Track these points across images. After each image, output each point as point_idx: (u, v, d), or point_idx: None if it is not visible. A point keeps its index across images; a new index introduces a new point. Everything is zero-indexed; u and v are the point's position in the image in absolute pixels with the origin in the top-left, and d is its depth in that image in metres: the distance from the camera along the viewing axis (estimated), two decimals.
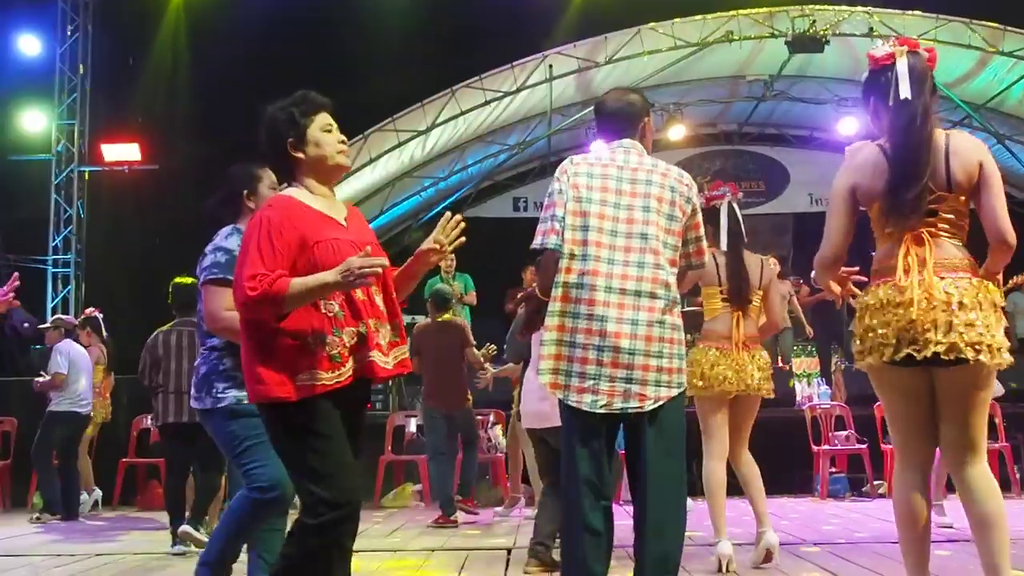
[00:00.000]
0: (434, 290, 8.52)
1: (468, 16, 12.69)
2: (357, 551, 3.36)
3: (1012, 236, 3.22)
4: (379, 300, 3.02)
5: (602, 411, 3.29)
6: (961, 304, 3.15)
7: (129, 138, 13.01)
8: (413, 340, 7.97)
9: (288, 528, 3.06)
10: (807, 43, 12.17)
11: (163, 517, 7.76)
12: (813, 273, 3.60)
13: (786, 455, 9.05)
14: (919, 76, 3.36)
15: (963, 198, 3.29)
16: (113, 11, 13.42)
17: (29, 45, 13.18)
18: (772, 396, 5.18)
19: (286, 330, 2.86)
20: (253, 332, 2.91)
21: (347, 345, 2.91)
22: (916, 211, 3.24)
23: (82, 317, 9.51)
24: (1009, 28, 12.56)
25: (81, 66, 13.46)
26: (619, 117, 3.63)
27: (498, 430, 9.49)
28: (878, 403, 9.33)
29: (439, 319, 8.16)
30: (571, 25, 13.13)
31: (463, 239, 3.20)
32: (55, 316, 9.46)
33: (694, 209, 3.50)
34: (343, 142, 3.11)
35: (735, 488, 5.18)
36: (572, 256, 3.36)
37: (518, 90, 13.34)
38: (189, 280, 7.00)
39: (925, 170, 3.25)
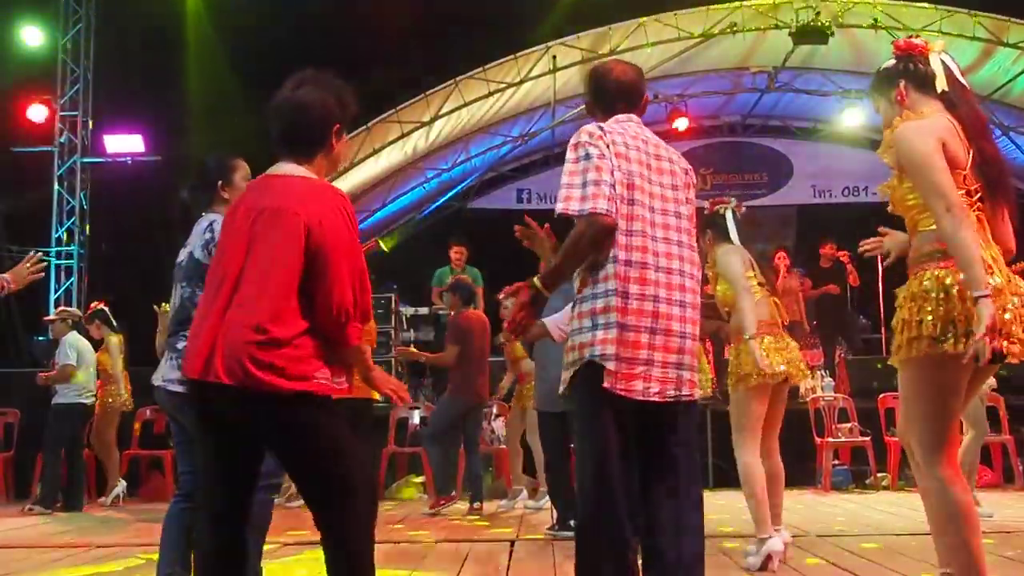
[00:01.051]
0: (457, 281, 8.43)
1: (471, 7, 12.65)
2: None
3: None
4: None
5: (656, 399, 3.03)
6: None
7: (132, 129, 12.99)
8: (457, 329, 7.94)
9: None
10: (811, 34, 12.11)
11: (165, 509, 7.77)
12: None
13: (789, 447, 8.94)
14: (955, 74, 3.28)
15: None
16: (116, 1, 13.39)
17: (32, 36, 13.14)
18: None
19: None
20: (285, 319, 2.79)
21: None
22: (1001, 183, 3.18)
23: (90, 312, 9.52)
24: (1014, 19, 12.52)
25: (84, 57, 13.45)
26: (632, 91, 3.38)
27: (500, 422, 9.48)
28: (881, 395, 9.40)
29: (469, 311, 8.15)
30: (575, 16, 13.08)
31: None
32: (60, 308, 9.46)
33: (687, 183, 3.32)
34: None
35: (735, 481, 5.17)
36: (618, 230, 3.04)
37: (521, 81, 13.31)
38: None
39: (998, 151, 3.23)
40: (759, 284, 5.08)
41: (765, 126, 16.31)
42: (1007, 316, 2.96)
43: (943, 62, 3.26)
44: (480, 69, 13.00)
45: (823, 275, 11.68)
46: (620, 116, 3.29)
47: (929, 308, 3.03)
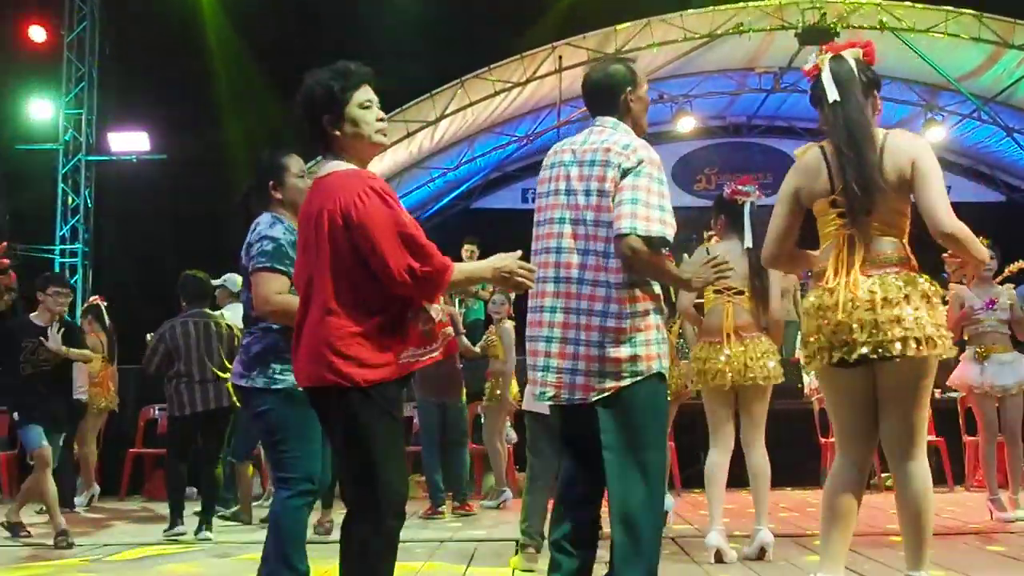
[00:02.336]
0: None
1: (477, 6, 12.65)
2: None
3: (950, 227, 3.20)
4: None
5: (549, 403, 3.32)
6: (886, 300, 3.19)
7: (137, 127, 13.00)
8: None
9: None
10: (817, 35, 12.07)
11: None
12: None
13: (793, 447, 9.01)
14: (845, 80, 3.42)
15: (897, 196, 3.30)
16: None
17: (37, 33, 13.14)
18: (779, 381, 5.18)
19: (392, 309, 2.85)
20: (372, 320, 2.83)
21: (435, 321, 2.93)
22: (867, 210, 3.28)
23: (85, 305, 9.51)
24: (1019, 21, 12.47)
25: (89, 54, 13.45)
26: (600, 90, 3.42)
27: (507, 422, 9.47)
28: None
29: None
30: (580, 16, 13.07)
31: None
32: None
33: (625, 172, 3.20)
34: (381, 119, 3.03)
35: (741, 480, 5.21)
36: (533, 251, 3.38)
37: (527, 81, 13.29)
38: (201, 273, 7.12)
39: (872, 168, 3.30)
40: (715, 292, 5.16)
41: (770, 127, 16.29)
42: (841, 327, 3.22)
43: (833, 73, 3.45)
44: (485, 69, 12.99)
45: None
46: (592, 121, 3.46)
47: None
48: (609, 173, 3.21)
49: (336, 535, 2.96)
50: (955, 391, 7.47)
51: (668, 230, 3.16)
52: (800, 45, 12.51)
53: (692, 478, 8.68)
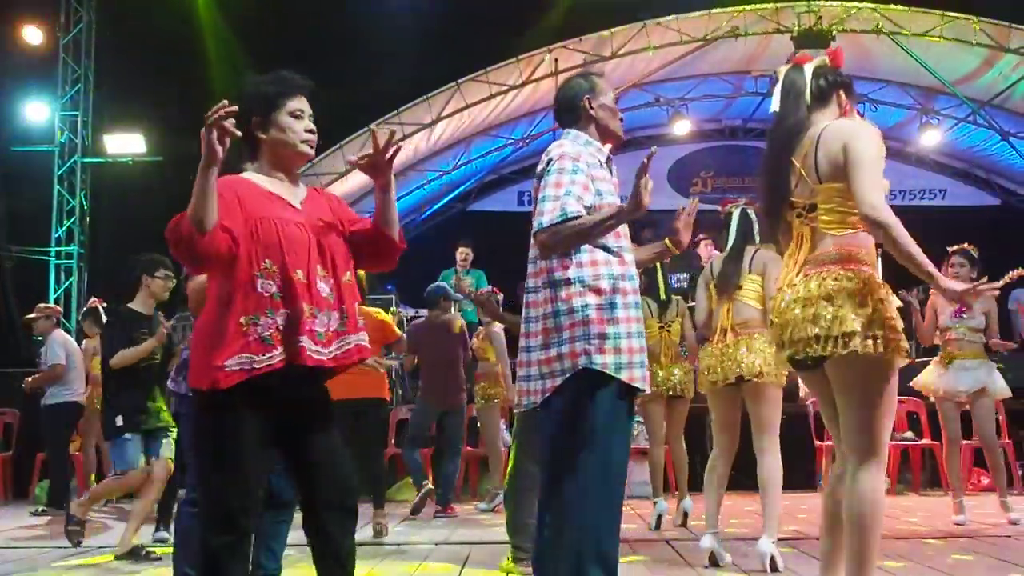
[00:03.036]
0: (428, 289, 8.44)
1: (474, 9, 12.65)
2: (360, 544, 3.36)
3: (877, 211, 3.03)
4: (324, 286, 2.90)
5: (522, 409, 3.37)
6: (806, 300, 3.16)
7: (133, 129, 12.98)
8: (409, 337, 8.03)
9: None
10: (813, 39, 12.10)
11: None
12: None
13: (789, 450, 8.94)
14: (787, 91, 3.47)
15: (837, 185, 3.21)
16: (118, 1, 13.40)
17: (33, 35, 13.14)
18: (779, 382, 5.11)
19: (227, 312, 2.80)
20: (204, 320, 2.91)
21: (280, 328, 2.81)
22: (780, 212, 3.37)
23: (84, 308, 9.51)
24: (1015, 25, 12.51)
25: (85, 56, 13.45)
26: (561, 104, 3.51)
27: (501, 423, 9.47)
28: None
29: (431, 317, 8.20)
30: (577, 19, 13.08)
31: (399, 146, 3.05)
32: (41, 305, 9.45)
33: (540, 174, 3.26)
34: (311, 131, 3.03)
35: (741, 484, 5.24)
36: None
37: (523, 84, 13.30)
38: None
39: (783, 176, 3.36)
40: (718, 292, 5.29)
41: (766, 130, 16.24)
42: (775, 321, 3.27)
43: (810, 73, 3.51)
44: (482, 71, 13.00)
45: None
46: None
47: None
48: (537, 184, 3.29)
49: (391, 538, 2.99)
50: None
51: (570, 208, 3.12)
52: (796, 49, 12.51)
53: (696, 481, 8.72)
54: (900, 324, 3.13)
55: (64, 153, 13.34)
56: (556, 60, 12.98)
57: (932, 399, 7.18)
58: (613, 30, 12.88)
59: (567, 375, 3.14)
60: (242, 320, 2.77)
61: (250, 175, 3.00)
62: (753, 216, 5.30)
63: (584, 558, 3.04)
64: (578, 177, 3.19)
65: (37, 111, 13.31)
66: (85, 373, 8.80)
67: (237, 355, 2.75)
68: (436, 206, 16.05)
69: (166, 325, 5.86)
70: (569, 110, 3.46)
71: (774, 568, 4.74)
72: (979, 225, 12.12)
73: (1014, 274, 7.02)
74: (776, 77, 3.52)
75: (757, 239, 5.28)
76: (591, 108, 3.42)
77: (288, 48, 11.63)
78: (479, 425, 8.78)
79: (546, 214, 3.14)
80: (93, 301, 9.57)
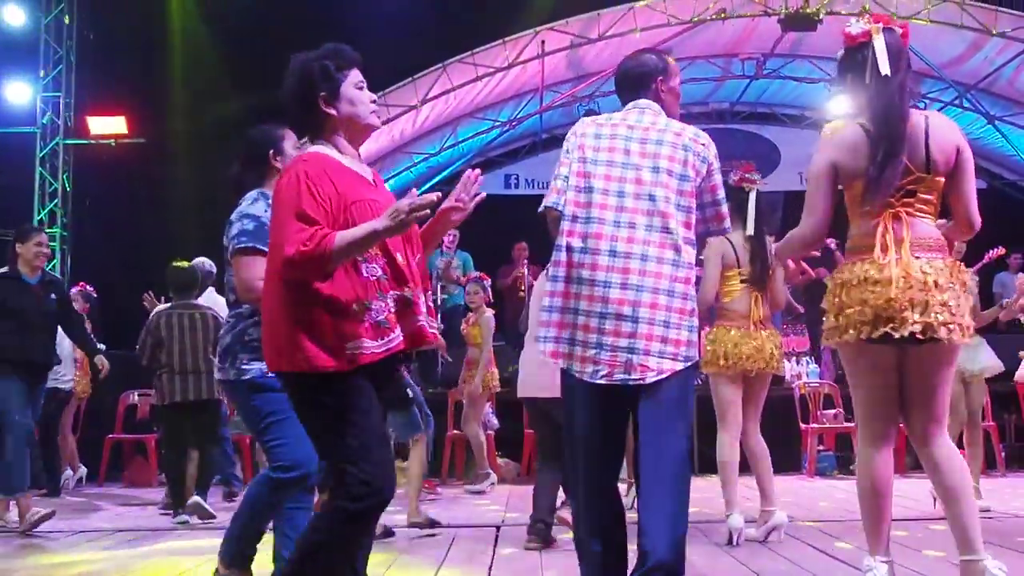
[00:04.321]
0: None
1: None
2: None
3: (979, 223, 3.38)
4: (416, 266, 2.90)
5: (602, 381, 3.08)
6: (936, 284, 3.21)
7: (116, 111, 12.86)
8: None
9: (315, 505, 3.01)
10: (800, 21, 12.09)
11: (149, 494, 7.78)
12: (776, 244, 3.69)
13: (774, 433, 9.01)
14: (896, 53, 3.36)
15: (940, 179, 3.33)
16: None
17: (14, 16, 12.98)
18: (782, 373, 5.29)
19: (329, 296, 2.69)
20: (293, 298, 2.72)
21: (393, 311, 2.78)
22: (892, 189, 3.28)
23: (77, 290, 9.46)
24: (1002, 9, 12.51)
25: (67, 38, 13.31)
26: (630, 78, 3.44)
27: (488, 408, 9.46)
28: None
29: None
30: (564, 1, 13.02)
31: (483, 194, 3.08)
32: None
33: (710, 170, 3.24)
34: (374, 100, 2.99)
35: (743, 466, 5.30)
36: (575, 219, 3.17)
37: (510, 66, 13.23)
38: (185, 263, 7.19)
39: (903, 147, 3.28)
40: (741, 280, 5.28)
41: (753, 113, 16.29)
42: (894, 304, 3.19)
43: (875, 47, 3.37)
44: (468, 53, 12.92)
45: (810, 262, 11.66)
46: (629, 104, 3.40)
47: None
48: (689, 159, 3.20)
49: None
50: None
51: (548, 200, 3.29)
52: (783, 31, 12.53)
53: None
54: None
55: (46, 135, 13.21)
56: (543, 42, 12.92)
57: None
58: (600, 12, 12.82)
59: (689, 363, 3.14)
60: (355, 306, 2.71)
61: (326, 150, 2.89)
62: (760, 198, 5.35)
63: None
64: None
65: (18, 92, 13.16)
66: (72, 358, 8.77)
67: (357, 339, 2.70)
68: (422, 189, 15.92)
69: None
70: (638, 86, 3.41)
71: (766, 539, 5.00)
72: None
73: (994, 253, 7.04)
74: (867, 32, 3.40)
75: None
76: (661, 89, 3.40)
77: (271, 30, 11.54)
78: (466, 409, 8.73)
79: (725, 220, 3.32)
80: (81, 286, 9.55)
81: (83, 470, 9.38)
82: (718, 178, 3.27)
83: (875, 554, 3.35)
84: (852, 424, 9.25)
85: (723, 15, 12.74)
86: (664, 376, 3.08)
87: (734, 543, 5.02)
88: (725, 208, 3.31)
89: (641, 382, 3.07)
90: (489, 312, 8.31)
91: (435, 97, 13.26)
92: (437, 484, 8.21)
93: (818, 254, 3.63)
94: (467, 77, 13.18)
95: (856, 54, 3.43)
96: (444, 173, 15.87)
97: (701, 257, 4.97)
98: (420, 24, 12.71)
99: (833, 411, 9.47)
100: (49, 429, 8.61)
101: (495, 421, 9.20)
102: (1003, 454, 9.35)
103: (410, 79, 12.83)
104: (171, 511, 6.81)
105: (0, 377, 6.22)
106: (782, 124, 16.35)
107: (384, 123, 12.96)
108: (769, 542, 5.05)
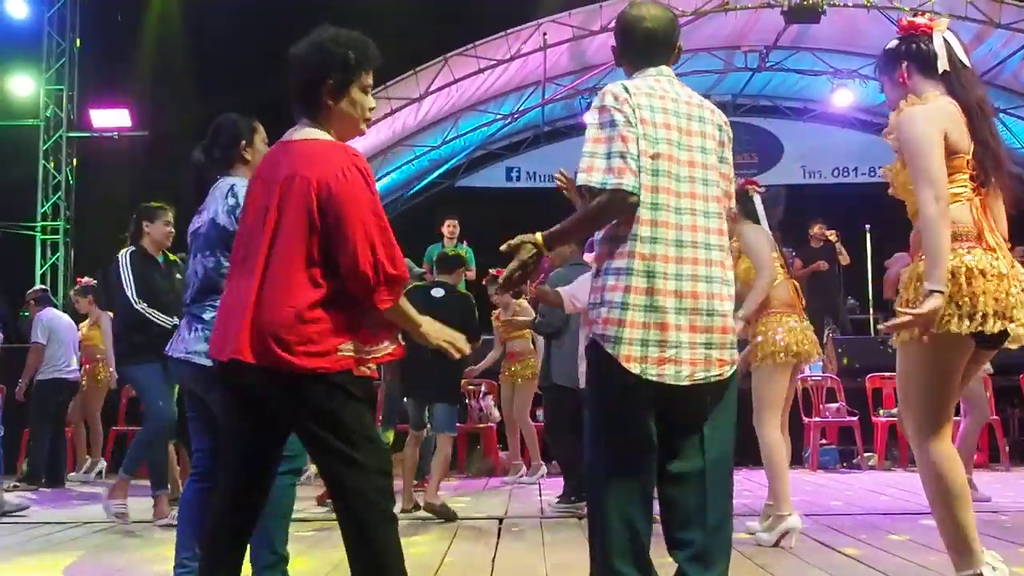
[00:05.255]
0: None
1: None
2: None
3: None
4: None
5: (687, 382, 2.80)
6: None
7: (119, 104, 12.87)
8: None
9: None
10: (804, 13, 12.05)
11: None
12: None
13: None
14: (966, 53, 3.34)
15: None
16: None
17: (17, 8, 12.98)
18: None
19: (339, 298, 2.68)
20: (322, 297, 2.67)
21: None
22: (998, 170, 3.22)
23: (81, 285, 9.48)
24: (1007, 1, 12.47)
25: (70, 30, 13.31)
26: (661, 39, 3.03)
27: (489, 400, 9.49)
28: (869, 375, 9.40)
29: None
30: None
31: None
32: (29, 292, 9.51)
33: (728, 139, 3.05)
34: (372, 109, 2.95)
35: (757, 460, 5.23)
36: (642, 205, 2.81)
37: (512, 58, 13.23)
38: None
39: (992, 135, 3.25)
40: (781, 267, 5.20)
41: (756, 106, 16.28)
42: (1011, 299, 3.03)
43: (946, 41, 3.27)
44: (470, 46, 12.92)
45: (812, 255, 11.67)
46: (651, 70, 2.99)
47: None
48: (717, 134, 3.00)
49: None
50: None
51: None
52: (786, 23, 12.49)
53: None
54: None
55: (50, 128, 13.23)
56: (545, 34, 12.91)
57: None
58: (602, 4, 12.79)
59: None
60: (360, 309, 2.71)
61: (324, 136, 2.84)
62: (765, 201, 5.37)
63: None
64: None
65: (22, 85, 13.18)
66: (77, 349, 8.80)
67: (351, 342, 2.68)
68: (424, 182, 15.98)
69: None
70: (666, 49, 3.05)
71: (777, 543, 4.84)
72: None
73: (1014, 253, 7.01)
74: (933, 26, 3.33)
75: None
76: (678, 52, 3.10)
77: (274, 23, 11.50)
78: (508, 401, 8.66)
79: (732, 199, 3.10)
80: (87, 280, 9.56)
81: (102, 463, 9.31)
82: (728, 156, 3.06)
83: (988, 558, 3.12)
84: (854, 418, 9.29)
85: (726, 7, 12.71)
86: (734, 368, 2.91)
87: (790, 544, 4.79)
88: (733, 188, 3.10)
89: (720, 378, 2.86)
90: (525, 302, 8.31)
91: (437, 90, 13.26)
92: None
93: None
94: (469, 69, 13.17)
95: (917, 43, 3.30)
96: (446, 166, 15.89)
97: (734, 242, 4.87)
98: (422, 17, 12.70)
99: (835, 405, 9.46)
100: (57, 420, 8.65)
101: (497, 414, 9.22)
102: (1007, 448, 9.34)
103: (412, 72, 12.82)
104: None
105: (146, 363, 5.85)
106: (785, 117, 16.33)
107: (386, 115, 12.99)
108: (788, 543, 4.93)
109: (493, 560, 4.64)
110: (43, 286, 9.85)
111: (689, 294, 2.81)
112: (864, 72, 14.35)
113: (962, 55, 3.28)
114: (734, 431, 2.95)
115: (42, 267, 12.83)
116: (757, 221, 5.24)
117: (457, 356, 2.88)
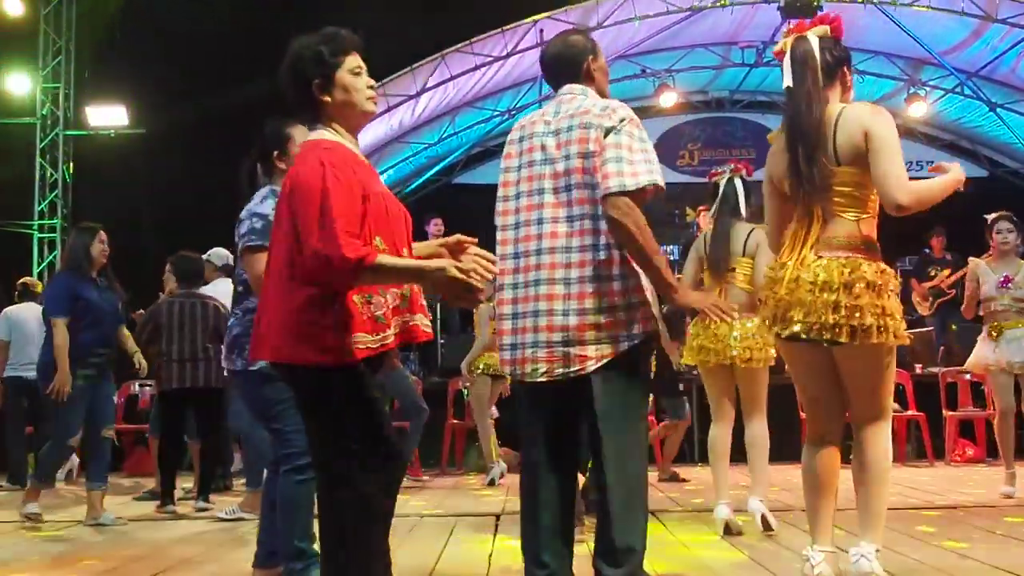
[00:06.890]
0: None
1: None
2: None
3: (905, 197, 3.18)
4: None
5: (543, 379, 3.13)
6: (826, 284, 3.22)
7: (115, 102, 12.85)
8: None
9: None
10: (800, 8, 12.01)
11: (149, 483, 7.77)
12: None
13: (776, 423, 9.00)
14: (798, 63, 3.44)
15: (850, 169, 3.30)
16: None
17: (13, 6, 12.93)
18: (772, 363, 5.15)
19: (336, 291, 2.65)
20: (299, 290, 2.66)
21: (390, 307, 2.77)
22: (817, 188, 3.31)
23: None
24: None
25: (66, 28, 13.28)
26: (557, 63, 3.39)
27: None
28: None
29: None
30: None
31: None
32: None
33: (608, 131, 3.10)
34: (372, 87, 2.91)
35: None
36: (504, 228, 3.31)
37: (508, 55, 13.21)
38: (191, 252, 7.20)
39: (816, 150, 3.32)
40: (706, 271, 5.31)
41: (753, 101, 16.26)
42: (781, 296, 3.32)
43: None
44: (467, 42, 12.89)
45: None
46: (558, 92, 3.38)
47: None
48: (592, 134, 3.12)
49: None
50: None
51: (656, 176, 3.08)
52: (783, 18, 12.44)
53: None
54: (901, 311, 3.33)
55: (46, 126, 13.20)
56: (541, 31, 12.88)
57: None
58: (599, 0, 12.78)
59: (635, 341, 3.12)
60: (356, 298, 2.67)
61: (336, 138, 2.84)
62: (740, 186, 5.28)
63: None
64: (649, 147, 3.16)
65: (18, 83, 13.14)
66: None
67: (357, 333, 2.67)
68: (421, 179, 15.96)
69: None
70: (573, 67, 3.34)
71: (767, 527, 4.93)
72: (966, 197, 11.94)
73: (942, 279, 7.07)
74: (782, 48, 3.52)
75: (744, 211, 5.25)
76: (592, 69, 3.35)
77: (270, 19, 11.51)
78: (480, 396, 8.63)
79: (633, 176, 3.04)
80: None
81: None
82: (615, 139, 3.10)
83: (816, 544, 3.52)
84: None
85: (723, 2, 12.70)
86: (605, 361, 3.09)
87: (728, 533, 5.01)
88: (611, 168, 3.06)
89: (581, 372, 3.10)
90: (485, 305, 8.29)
91: (434, 86, 13.24)
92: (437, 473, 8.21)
93: None
94: (466, 66, 13.16)
95: (782, 69, 3.55)
96: (443, 163, 15.86)
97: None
98: (418, 13, 12.68)
99: None
100: (9, 417, 8.72)
101: (495, 410, 9.20)
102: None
103: (408, 68, 12.81)
104: (160, 500, 6.74)
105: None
106: (782, 112, 16.29)
107: (382, 112, 12.96)
108: (766, 527, 5.04)
109: (490, 556, 4.64)
110: (26, 279, 9.75)
111: (545, 297, 3.14)
112: (860, 67, 14.32)
113: (787, 76, 3.50)
114: (627, 419, 3.16)
115: (39, 266, 12.81)
116: (736, 207, 5.21)
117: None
